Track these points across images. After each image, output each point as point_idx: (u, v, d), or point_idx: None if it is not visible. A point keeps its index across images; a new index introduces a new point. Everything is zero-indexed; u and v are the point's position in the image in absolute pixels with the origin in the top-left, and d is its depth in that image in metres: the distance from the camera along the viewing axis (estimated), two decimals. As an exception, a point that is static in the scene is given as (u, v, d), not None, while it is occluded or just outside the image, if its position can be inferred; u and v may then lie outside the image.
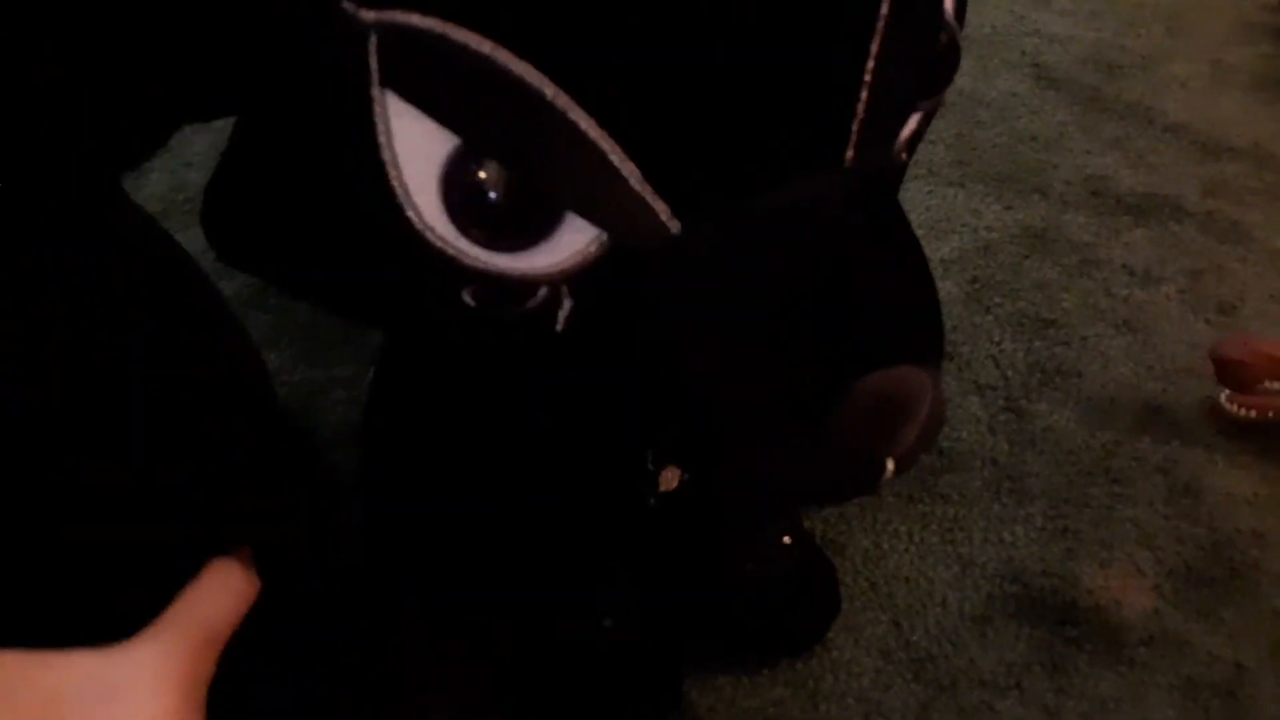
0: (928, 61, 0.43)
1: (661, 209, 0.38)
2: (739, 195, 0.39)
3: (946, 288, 1.08)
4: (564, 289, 0.40)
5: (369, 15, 0.36)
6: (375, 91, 0.37)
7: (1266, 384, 0.93)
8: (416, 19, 0.35)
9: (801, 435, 0.39)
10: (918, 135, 0.47)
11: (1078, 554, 0.87)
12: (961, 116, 1.27)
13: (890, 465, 0.40)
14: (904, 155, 0.46)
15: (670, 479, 0.62)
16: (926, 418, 0.39)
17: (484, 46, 0.35)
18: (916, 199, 1.16)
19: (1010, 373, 1.00)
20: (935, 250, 1.10)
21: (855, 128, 0.40)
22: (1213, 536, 0.88)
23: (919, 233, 1.16)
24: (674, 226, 0.38)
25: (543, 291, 0.40)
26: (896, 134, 0.43)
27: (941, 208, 1.17)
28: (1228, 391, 0.95)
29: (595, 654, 0.70)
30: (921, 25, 0.41)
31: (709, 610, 0.75)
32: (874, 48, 0.39)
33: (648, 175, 0.37)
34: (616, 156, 0.36)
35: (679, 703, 0.75)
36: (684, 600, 0.73)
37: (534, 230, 0.38)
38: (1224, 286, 1.09)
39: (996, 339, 1.03)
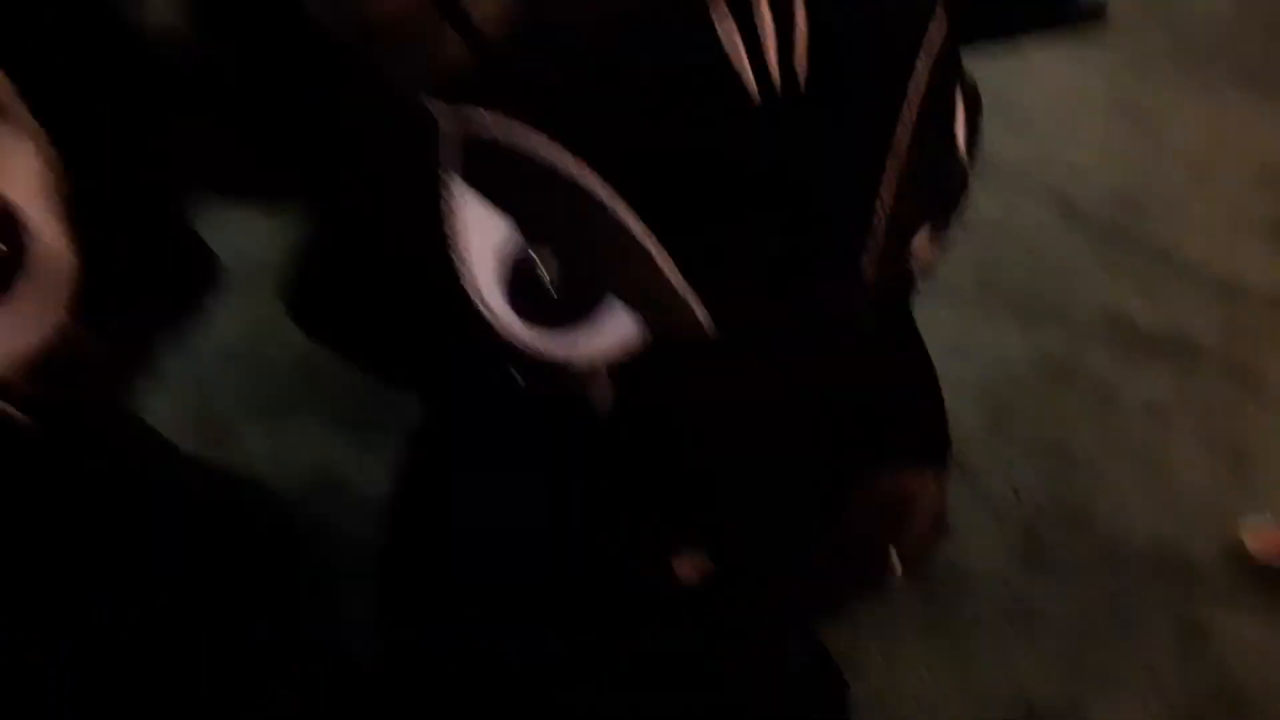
0: (940, 187, 0.46)
1: (699, 308, 0.41)
2: (769, 299, 0.42)
3: (966, 410, 1.09)
4: (605, 375, 0.42)
5: (443, 110, 0.39)
6: (445, 176, 0.40)
7: None
8: (485, 116, 0.39)
9: (819, 525, 0.41)
10: (933, 254, 0.50)
11: (1087, 688, 0.86)
12: (986, 243, 1.31)
13: (895, 559, 0.42)
14: (917, 270, 0.49)
15: (691, 571, 0.63)
16: (931, 517, 0.41)
17: (545, 148, 0.38)
18: (939, 320, 1.19)
19: (1027, 501, 1.01)
20: (956, 372, 1.12)
21: (872, 242, 0.43)
22: (1221, 682, 0.87)
23: (940, 353, 1.17)
24: (709, 327, 0.41)
25: (588, 377, 0.42)
26: (908, 249, 0.45)
27: (964, 330, 1.19)
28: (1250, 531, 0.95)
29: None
30: (933, 154, 0.45)
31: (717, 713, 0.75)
32: (889, 174, 0.42)
33: (687, 275, 0.40)
34: (658, 254, 0.39)
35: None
36: (693, 701, 0.73)
37: (580, 314, 0.41)
38: (1239, 431, 1.10)
39: (1014, 466, 1.04)
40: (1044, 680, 0.86)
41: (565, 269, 0.40)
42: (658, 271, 0.40)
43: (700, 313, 0.40)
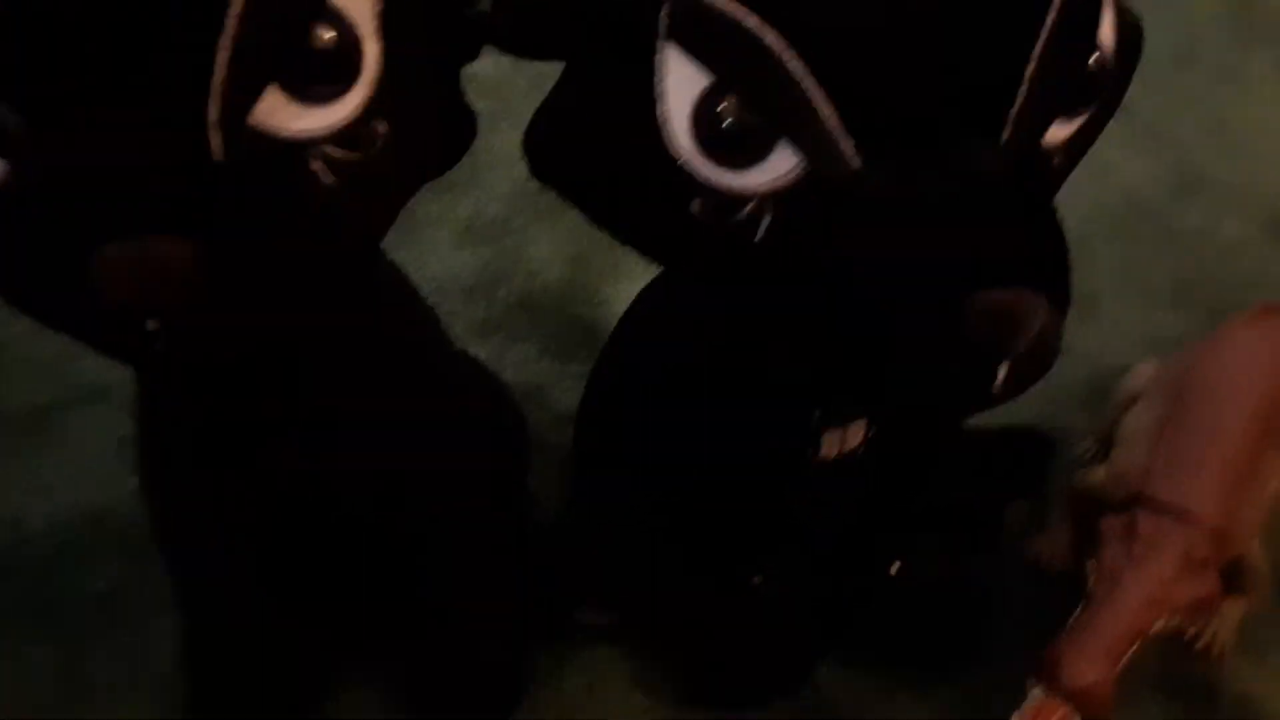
0: (1079, 76, 0.54)
1: (848, 147, 0.51)
2: (914, 147, 0.51)
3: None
4: (767, 205, 0.53)
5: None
6: (660, 42, 0.52)
7: None
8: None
9: (940, 331, 0.50)
10: (1076, 146, 0.58)
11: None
12: (1186, 251, 1.32)
13: (1002, 372, 0.50)
14: (1057, 159, 0.57)
15: (838, 442, 0.73)
16: (1038, 337, 0.49)
17: (739, 14, 0.50)
18: (1131, 314, 1.22)
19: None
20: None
21: (1013, 113, 0.51)
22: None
23: (1127, 345, 1.19)
24: (856, 163, 0.51)
25: (750, 205, 0.53)
26: (1045, 129, 0.54)
27: (1154, 325, 1.22)
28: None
29: (742, 609, 0.79)
30: (1078, 41, 0.53)
31: (850, 602, 0.82)
32: (1036, 49, 0.51)
33: (842, 117, 0.50)
34: (820, 99, 0.50)
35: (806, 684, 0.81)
36: (831, 581, 0.81)
37: (753, 153, 0.52)
38: None
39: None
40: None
41: (746, 115, 0.52)
42: (819, 116, 0.50)
43: (848, 149, 0.50)
